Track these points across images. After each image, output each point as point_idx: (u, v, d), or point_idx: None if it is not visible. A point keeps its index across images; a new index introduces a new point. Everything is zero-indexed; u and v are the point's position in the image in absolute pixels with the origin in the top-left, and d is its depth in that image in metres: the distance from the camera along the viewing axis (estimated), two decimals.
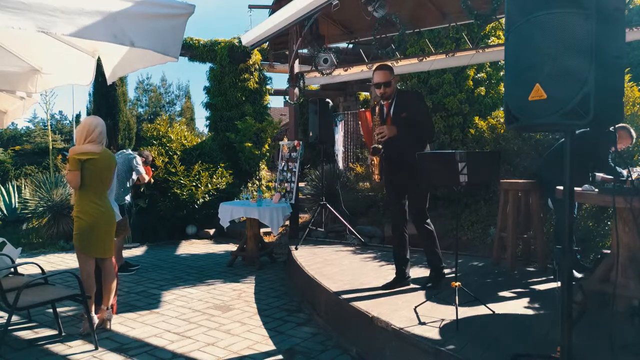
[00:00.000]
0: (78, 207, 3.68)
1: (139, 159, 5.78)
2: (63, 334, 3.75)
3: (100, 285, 3.87)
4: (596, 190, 3.18)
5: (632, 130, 4.38)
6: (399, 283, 3.99)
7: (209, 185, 8.52)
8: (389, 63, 6.58)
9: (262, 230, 6.87)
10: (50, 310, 3.94)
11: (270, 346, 3.57)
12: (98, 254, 3.77)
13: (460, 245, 5.27)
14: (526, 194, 4.76)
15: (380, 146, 3.92)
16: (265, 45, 8.82)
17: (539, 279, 4.24)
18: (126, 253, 7.06)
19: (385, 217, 7.32)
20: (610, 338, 2.45)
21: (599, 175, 3.94)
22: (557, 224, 4.48)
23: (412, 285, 4.01)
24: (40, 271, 3.86)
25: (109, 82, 3.87)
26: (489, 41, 7.20)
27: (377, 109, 4.03)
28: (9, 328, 3.66)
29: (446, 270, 4.11)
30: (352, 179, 8.81)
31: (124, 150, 5.85)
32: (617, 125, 4.10)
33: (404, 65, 6.63)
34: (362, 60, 7.06)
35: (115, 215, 3.92)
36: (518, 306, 3.49)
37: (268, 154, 9.76)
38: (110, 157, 3.83)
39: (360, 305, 3.50)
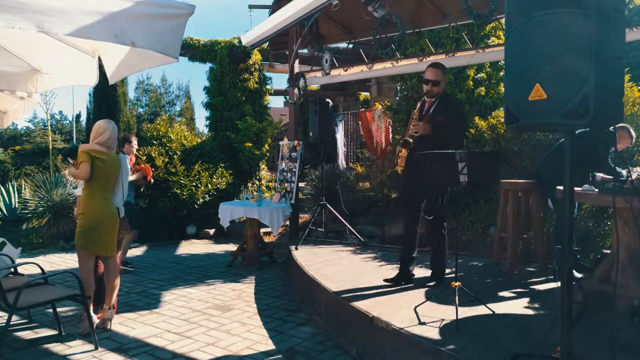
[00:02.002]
0: (84, 204, 3.71)
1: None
2: (63, 334, 3.76)
3: (101, 285, 3.88)
4: (596, 190, 3.18)
5: (632, 130, 4.38)
6: (403, 279, 4.04)
7: (209, 185, 8.52)
8: (389, 64, 6.60)
9: (262, 230, 6.87)
10: (50, 310, 3.94)
11: (270, 346, 3.57)
12: (101, 252, 3.79)
13: (460, 245, 5.27)
14: (526, 194, 4.75)
15: (411, 140, 3.95)
16: (265, 45, 8.81)
17: (539, 279, 4.24)
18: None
19: (386, 217, 7.32)
20: (610, 338, 2.45)
21: (599, 175, 3.94)
22: (557, 224, 4.48)
23: (412, 285, 4.01)
24: (40, 271, 3.86)
25: (110, 83, 3.88)
26: (489, 41, 7.20)
27: (418, 104, 4.04)
28: (9, 328, 3.65)
29: (446, 271, 4.11)
30: (352, 179, 8.81)
31: None
32: (617, 125, 4.10)
33: (404, 65, 6.62)
34: (362, 60, 7.06)
35: (118, 216, 3.93)
36: (518, 306, 3.49)
37: (268, 154, 9.75)
38: (117, 160, 3.89)
39: (360, 305, 3.50)
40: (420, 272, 4.39)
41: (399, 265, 4.13)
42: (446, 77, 3.98)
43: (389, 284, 4.04)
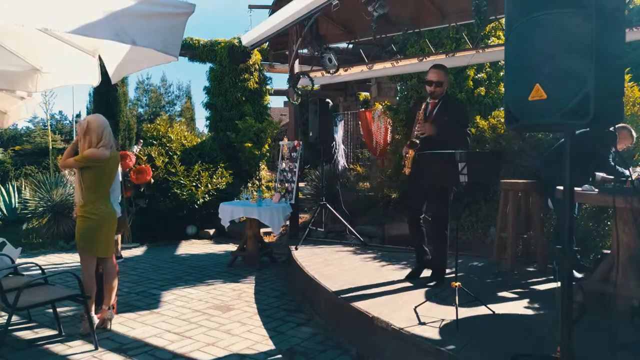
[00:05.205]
0: (88, 207, 3.66)
1: None
2: (63, 334, 3.75)
3: (100, 285, 3.88)
4: (596, 190, 3.18)
5: (632, 131, 4.38)
6: (420, 272, 4.16)
7: (209, 186, 8.52)
8: (389, 64, 6.60)
9: (262, 230, 6.86)
10: (50, 310, 3.94)
11: (270, 346, 3.57)
12: (101, 253, 3.78)
13: (460, 245, 5.26)
14: (526, 194, 4.75)
15: (417, 141, 4.00)
16: (265, 45, 8.82)
17: (539, 279, 4.24)
18: (126, 253, 7.07)
19: (385, 217, 7.32)
20: (610, 338, 2.45)
21: (599, 175, 3.94)
22: (557, 224, 4.48)
23: (412, 285, 4.01)
24: (40, 271, 3.86)
25: (113, 82, 3.88)
26: (489, 41, 7.19)
27: (422, 105, 4.09)
28: (9, 328, 3.65)
29: (446, 271, 4.11)
30: (352, 179, 8.81)
31: None
32: (617, 125, 4.10)
33: (404, 65, 6.63)
34: (362, 60, 7.05)
35: (115, 216, 3.92)
36: (518, 306, 3.49)
37: (268, 154, 9.75)
38: (118, 159, 3.91)
39: (360, 305, 3.50)
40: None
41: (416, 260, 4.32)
42: (449, 78, 4.00)
43: (394, 282, 4.11)
